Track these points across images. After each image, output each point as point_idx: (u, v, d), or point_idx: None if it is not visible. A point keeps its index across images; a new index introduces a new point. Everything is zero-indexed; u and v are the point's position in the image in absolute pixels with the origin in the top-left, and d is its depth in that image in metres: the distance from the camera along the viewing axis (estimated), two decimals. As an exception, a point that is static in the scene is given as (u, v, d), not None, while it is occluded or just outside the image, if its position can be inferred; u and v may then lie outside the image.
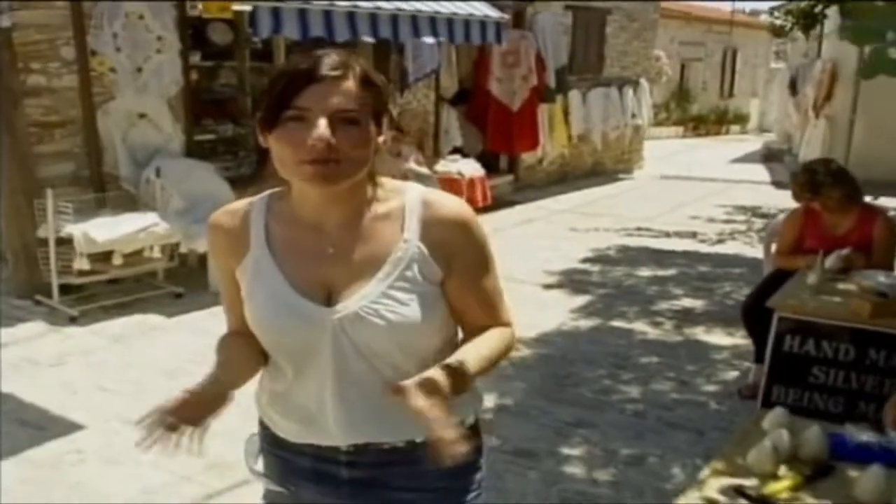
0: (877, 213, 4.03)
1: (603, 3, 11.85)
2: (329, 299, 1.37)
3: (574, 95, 11.10)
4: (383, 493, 1.47)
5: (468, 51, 9.54)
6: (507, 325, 1.49)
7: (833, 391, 3.48)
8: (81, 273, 5.20)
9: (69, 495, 3.13)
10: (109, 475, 3.28)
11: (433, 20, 7.28)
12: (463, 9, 7.73)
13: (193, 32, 6.44)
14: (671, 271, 6.82)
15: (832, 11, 10.70)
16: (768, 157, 15.69)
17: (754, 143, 18.54)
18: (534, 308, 5.51)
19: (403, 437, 1.43)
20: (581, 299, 5.93)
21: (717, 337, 5.12)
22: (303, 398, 1.42)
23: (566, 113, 10.96)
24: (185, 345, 4.72)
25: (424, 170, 8.00)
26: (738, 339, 4.84)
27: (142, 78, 5.93)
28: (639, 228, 8.59)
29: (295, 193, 1.40)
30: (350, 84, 1.30)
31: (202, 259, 5.88)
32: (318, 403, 1.41)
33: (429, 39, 7.58)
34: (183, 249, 5.71)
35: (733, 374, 4.51)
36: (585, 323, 5.38)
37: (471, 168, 8.81)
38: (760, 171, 13.72)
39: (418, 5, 7.14)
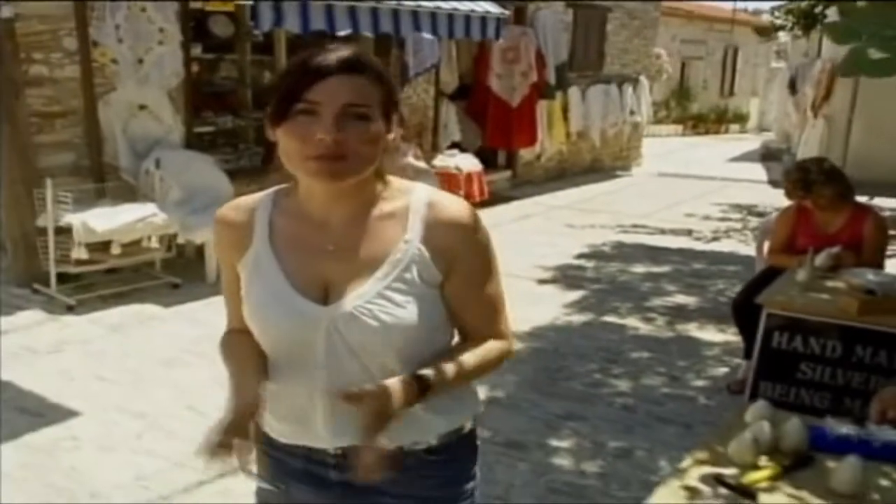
0: (867, 212, 4.07)
1: (604, 1, 11.84)
2: (326, 297, 1.36)
3: (574, 92, 11.12)
4: (372, 497, 1.44)
5: (468, 46, 9.56)
6: (502, 336, 1.46)
7: (820, 387, 3.52)
8: (80, 262, 5.24)
9: (64, 480, 3.18)
10: (104, 461, 3.33)
11: (434, 15, 7.32)
12: (464, 4, 7.77)
13: (195, 25, 6.48)
14: (665, 268, 6.86)
15: (832, 11, 10.72)
16: (766, 156, 15.70)
17: (753, 142, 18.58)
18: (528, 302, 5.55)
19: (391, 442, 1.38)
20: (575, 294, 5.98)
21: (709, 333, 5.16)
22: (294, 396, 1.40)
23: (565, 110, 10.98)
24: (181, 335, 4.77)
25: (422, 164, 8.02)
26: (730, 335, 4.88)
27: (143, 69, 5.96)
28: (635, 225, 8.63)
29: (301, 189, 1.39)
30: (361, 80, 1.29)
31: (199, 250, 5.93)
32: (309, 403, 1.39)
33: (429, 35, 7.61)
34: (180, 240, 5.76)
35: (723, 370, 4.56)
36: (578, 318, 5.43)
37: (468, 163, 8.83)
38: (758, 170, 13.74)
39: (420, 0, 7.17)
